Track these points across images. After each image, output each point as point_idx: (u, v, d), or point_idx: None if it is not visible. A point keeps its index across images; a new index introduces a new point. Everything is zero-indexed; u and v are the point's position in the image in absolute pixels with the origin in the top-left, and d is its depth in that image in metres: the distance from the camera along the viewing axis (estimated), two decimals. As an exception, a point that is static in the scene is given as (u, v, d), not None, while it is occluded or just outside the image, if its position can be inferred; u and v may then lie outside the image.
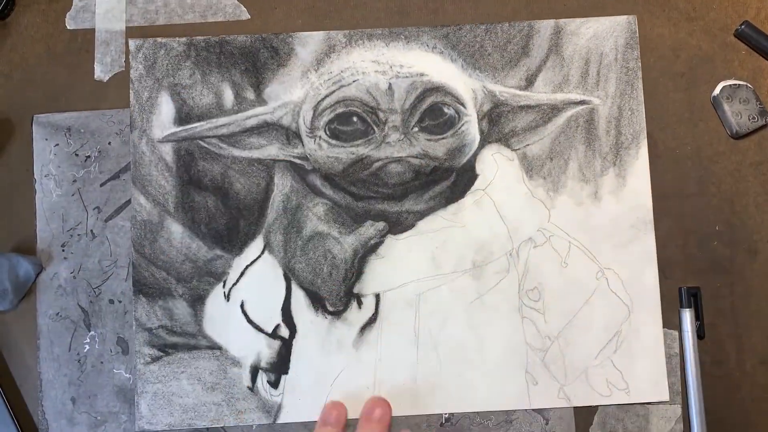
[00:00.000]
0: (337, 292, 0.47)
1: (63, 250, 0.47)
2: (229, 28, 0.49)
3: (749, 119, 0.47)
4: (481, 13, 0.49)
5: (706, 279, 0.47)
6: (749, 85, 0.47)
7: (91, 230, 0.47)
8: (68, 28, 0.49)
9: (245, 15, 0.49)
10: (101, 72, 0.48)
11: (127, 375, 0.46)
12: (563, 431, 0.46)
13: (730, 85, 0.47)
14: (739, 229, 0.47)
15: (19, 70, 0.49)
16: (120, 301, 0.47)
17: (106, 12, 0.49)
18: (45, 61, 0.49)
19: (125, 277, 0.47)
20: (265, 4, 0.49)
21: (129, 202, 0.47)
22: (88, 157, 0.48)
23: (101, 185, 0.47)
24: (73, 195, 0.47)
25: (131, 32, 0.49)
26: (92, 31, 0.49)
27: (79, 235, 0.47)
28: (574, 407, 0.46)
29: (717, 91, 0.47)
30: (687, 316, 0.45)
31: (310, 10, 0.49)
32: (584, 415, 0.46)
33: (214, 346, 0.46)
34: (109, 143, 0.48)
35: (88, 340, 0.47)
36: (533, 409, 0.46)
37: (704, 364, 0.46)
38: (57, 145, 0.48)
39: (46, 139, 0.48)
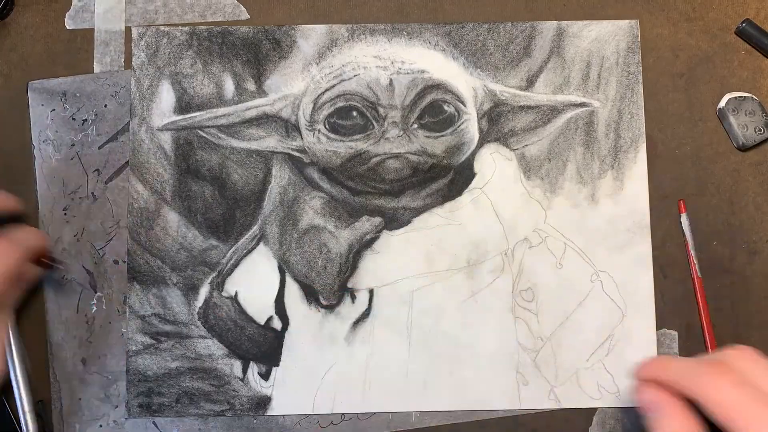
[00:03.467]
0: (331, 286, 0.47)
1: (65, 214, 0.47)
2: (230, 26, 0.49)
3: (755, 131, 0.47)
4: (481, 12, 0.49)
5: (705, 279, 0.47)
6: (755, 97, 0.47)
7: (92, 192, 0.47)
8: (67, 28, 0.49)
9: (244, 15, 0.49)
10: (100, 72, 0.48)
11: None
12: None
13: (735, 97, 0.47)
14: (739, 229, 0.47)
15: (18, 70, 0.49)
16: (124, 261, 0.47)
17: (106, 12, 0.49)
18: (44, 61, 0.49)
19: (128, 238, 0.47)
20: (265, 3, 0.49)
21: (128, 163, 0.47)
22: (85, 120, 0.48)
23: (99, 148, 0.48)
24: (72, 159, 0.48)
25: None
26: (91, 31, 0.49)
27: (80, 198, 0.47)
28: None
29: (722, 103, 0.47)
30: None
31: (310, 9, 0.49)
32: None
33: (206, 336, 0.46)
34: (105, 105, 0.48)
35: (95, 302, 0.47)
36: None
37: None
38: (53, 110, 0.48)
39: (42, 105, 0.48)
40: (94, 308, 0.47)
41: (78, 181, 0.47)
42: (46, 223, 0.47)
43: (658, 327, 0.47)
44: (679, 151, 0.48)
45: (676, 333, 0.47)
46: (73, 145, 0.48)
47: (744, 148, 0.48)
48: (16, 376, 0.44)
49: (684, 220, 0.47)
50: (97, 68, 0.48)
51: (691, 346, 0.47)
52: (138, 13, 0.49)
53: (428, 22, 0.48)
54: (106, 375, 0.46)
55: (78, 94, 0.48)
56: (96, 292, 0.47)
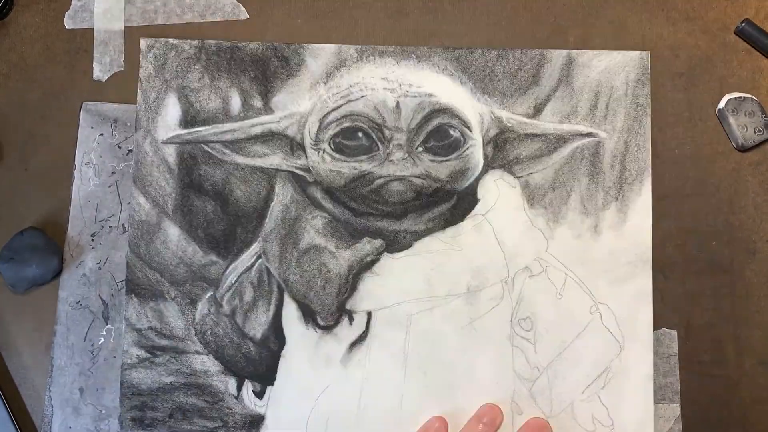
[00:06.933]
0: (329, 307, 0.46)
1: (92, 240, 0.47)
2: (228, 28, 0.48)
3: (755, 132, 0.47)
4: (480, 12, 0.49)
5: (705, 279, 0.47)
6: (754, 98, 0.48)
7: (123, 224, 0.47)
8: (67, 27, 0.49)
9: (244, 15, 0.49)
10: (100, 72, 0.48)
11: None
12: None
13: (735, 98, 0.47)
14: (738, 228, 0.47)
15: (17, 70, 0.49)
16: None
17: (105, 12, 0.49)
18: (44, 60, 0.49)
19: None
20: (264, 3, 0.49)
21: None
22: (131, 150, 0.48)
23: None
24: (110, 186, 0.47)
25: (135, 31, 0.49)
26: (91, 30, 0.49)
27: (110, 227, 0.47)
28: None
29: (722, 104, 0.48)
30: None
31: (310, 9, 0.49)
32: None
33: (202, 352, 0.46)
34: None
35: (104, 333, 0.46)
36: None
37: (704, 364, 0.46)
38: (101, 134, 0.48)
39: (92, 128, 0.48)
40: (102, 339, 0.46)
41: (111, 210, 0.47)
42: (72, 245, 0.47)
43: (658, 327, 0.47)
44: (679, 151, 0.48)
45: (675, 333, 0.46)
46: (113, 173, 0.47)
47: (743, 149, 0.48)
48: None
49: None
50: (96, 68, 0.48)
51: (691, 345, 0.46)
52: (137, 13, 0.48)
53: (428, 23, 0.48)
54: (101, 408, 0.46)
55: (129, 124, 0.48)
56: (107, 324, 0.46)
